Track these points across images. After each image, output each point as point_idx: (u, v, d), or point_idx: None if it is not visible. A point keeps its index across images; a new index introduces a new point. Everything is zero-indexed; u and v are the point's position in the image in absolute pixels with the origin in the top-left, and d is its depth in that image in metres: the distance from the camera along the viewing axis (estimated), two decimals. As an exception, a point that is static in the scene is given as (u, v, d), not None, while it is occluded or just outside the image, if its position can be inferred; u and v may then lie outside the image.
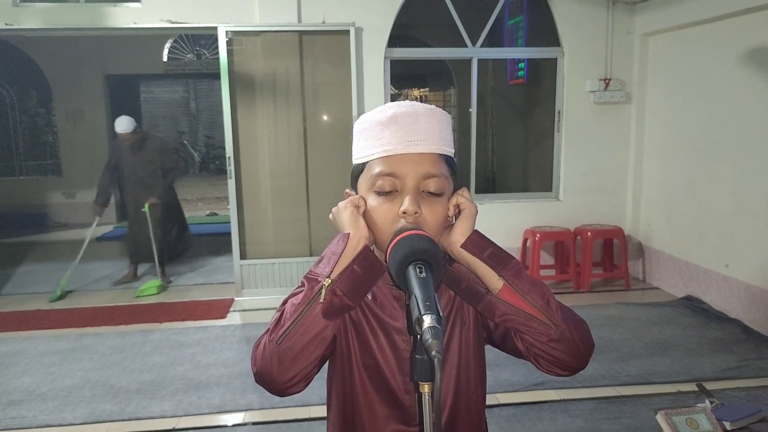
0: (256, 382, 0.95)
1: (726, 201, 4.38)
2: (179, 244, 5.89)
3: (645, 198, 5.42)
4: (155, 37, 8.88)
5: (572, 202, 5.45)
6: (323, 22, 4.91)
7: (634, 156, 5.43)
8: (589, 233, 5.13)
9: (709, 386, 3.19)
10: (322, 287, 0.90)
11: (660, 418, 2.40)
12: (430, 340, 0.73)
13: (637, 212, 5.49)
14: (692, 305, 4.58)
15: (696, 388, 3.15)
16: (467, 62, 5.41)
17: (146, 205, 5.30)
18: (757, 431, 2.48)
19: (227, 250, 5.57)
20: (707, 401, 2.59)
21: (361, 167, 1.01)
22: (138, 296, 5.20)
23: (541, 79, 6.67)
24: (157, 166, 5.45)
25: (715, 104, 4.47)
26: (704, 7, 4.38)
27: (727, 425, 2.38)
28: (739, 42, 4.16)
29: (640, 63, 5.29)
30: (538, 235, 5.11)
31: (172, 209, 5.83)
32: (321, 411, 3.01)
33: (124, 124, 5.27)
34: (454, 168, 1.02)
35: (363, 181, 1.00)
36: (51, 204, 8.88)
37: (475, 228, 0.98)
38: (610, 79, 5.29)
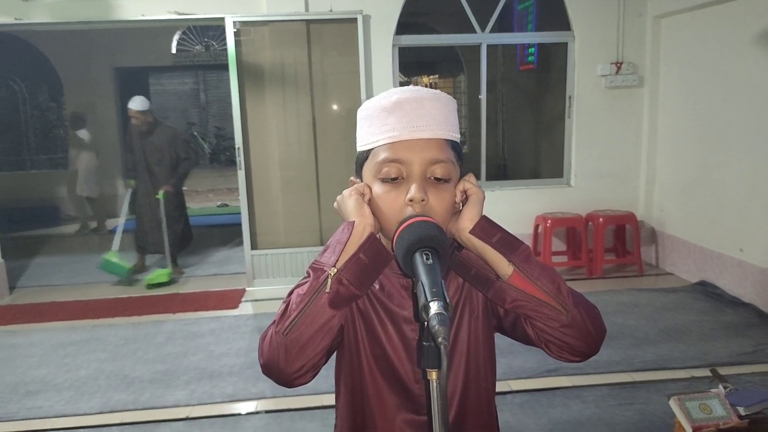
0: (264, 374, 0.95)
1: (740, 185, 4.32)
2: (185, 236, 5.88)
3: (658, 183, 5.36)
4: (163, 29, 8.89)
5: (584, 188, 5.40)
6: (331, 11, 4.88)
7: (647, 141, 5.36)
8: (601, 219, 5.09)
9: (723, 371, 3.14)
10: (328, 276, 0.89)
11: (673, 403, 2.38)
12: (436, 327, 0.72)
13: (650, 197, 5.43)
14: (706, 290, 4.54)
15: (710, 374, 3.12)
16: (476, 48, 5.36)
17: (161, 193, 5.32)
18: (772, 416, 2.45)
19: (238, 240, 5.59)
20: (721, 386, 2.56)
21: (366, 154, 1.00)
22: (148, 284, 5.24)
23: (551, 64, 6.59)
24: (167, 155, 5.44)
25: (729, 87, 4.40)
26: (718, -13, 4.30)
27: (741, 410, 2.35)
28: (753, 23, 4.07)
29: (653, 46, 5.20)
30: (549, 222, 5.07)
31: (181, 201, 5.85)
32: (331, 399, 3.00)
33: (136, 102, 5.35)
34: (460, 153, 1.00)
35: (368, 169, 0.99)
36: (62, 197, 8.96)
37: (484, 213, 0.97)
38: (621, 63, 5.21)
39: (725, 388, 2.53)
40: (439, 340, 0.72)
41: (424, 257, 0.83)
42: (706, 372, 3.18)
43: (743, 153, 4.28)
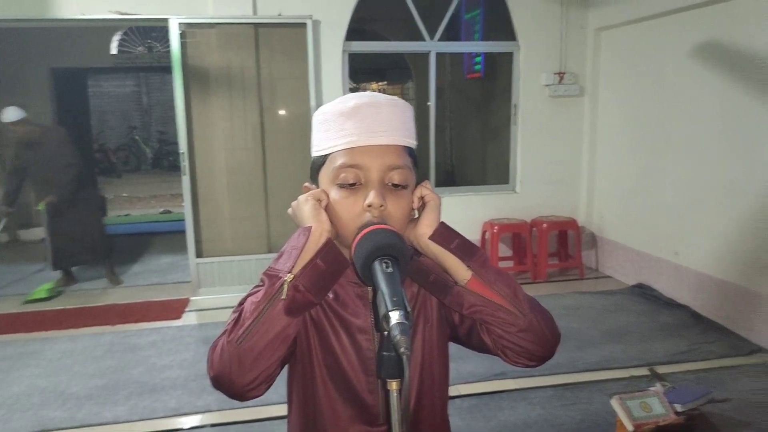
0: (214, 386, 0.91)
1: (676, 191, 4.53)
2: (103, 246, 5.38)
3: (598, 189, 5.56)
4: (103, 29, 8.55)
5: (529, 194, 5.54)
6: (279, 15, 4.83)
7: (588, 149, 5.56)
8: (545, 225, 5.23)
9: (661, 370, 3.30)
10: (283, 283, 0.87)
11: (615, 402, 2.46)
12: (398, 337, 0.71)
13: (591, 203, 5.62)
14: (644, 293, 4.73)
15: (648, 373, 3.25)
16: (425, 56, 5.42)
17: (41, 204, 4.91)
18: (706, 412, 2.57)
19: (182, 248, 5.43)
20: (659, 385, 2.67)
21: (322, 160, 0.98)
22: (26, 302, 4.86)
23: (497, 73, 6.75)
24: (60, 162, 4.92)
25: (665, 97, 4.61)
26: (655, 2, 4.50)
27: (678, 407, 2.46)
28: (689, 36, 4.29)
29: (594, 57, 5.41)
30: (496, 228, 5.17)
31: (95, 208, 5.36)
32: (281, 410, 2.94)
33: (7, 113, 4.85)
34: (416, 160, 1.00)
35: (324, 174, 0.97)
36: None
37: (441, 219, 0.97)
38: (564, 73, 5.39)
39: (663, 386, 2.64)
40: (402, 350, 0.71)
41: (384, 265, 0.82)
42: (645, 371, 3.32)
43: (678, 160, 4.49)
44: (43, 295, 4.97)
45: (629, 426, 2.34)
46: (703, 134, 4.23)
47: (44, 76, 8.39)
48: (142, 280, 5.58)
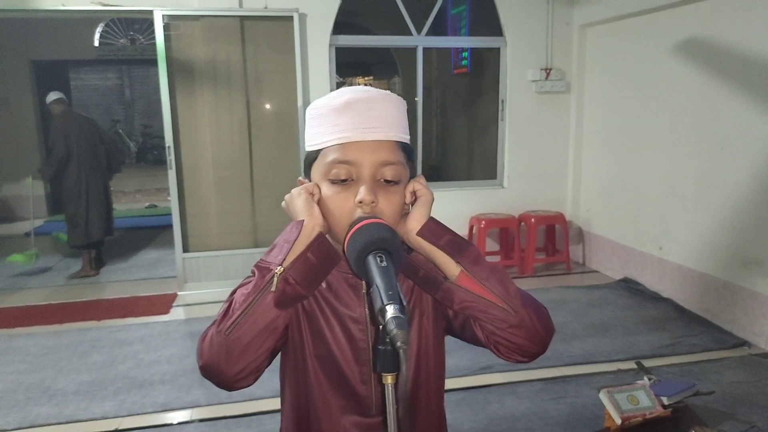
0: (203, 375, 0.91)
1: (659, 186, 4.59)
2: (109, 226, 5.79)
3: (584, 184, 5.61)
4: (85, 20, 8.43)
5: (516, 189, 5.57)
6: (266, 8, 4.79)
7: (574, 144, 5.60)
8: (532, 219, 5.26)
9: (646, 363, 3.34)
10: (274, 275, 0.87)
11: (603, 395, 2.49)
12: (394, 331, 0.71)
13: (577, 198, 5.67)
14: (629, 287, 4.79)
15: (635, 366, 3.29)
16: (412, 51, 5.42)
17: (29, 179, 5.53)
18: (691, 405, 2.62)
19: (168, 243, 5.39)
20: (646, 378, 2.70)
21: (315, 154, 0.98)
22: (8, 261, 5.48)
23: (484, 69, 6.76)
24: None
25: (649, 94, 4.66)
26: (639, -1, 4.54)
27: (665, 400, 2.49)
28: (672, 34, 4.34)
29: (579, 54, 5.44)
30: (483, 223, 5.20)
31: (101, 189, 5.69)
32: (271, 404, 2.96)
33: (50, 95, 5.48)
34: (411, 155, 1.00)
35: (317, 169, 0.97)
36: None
37: (431, 215, 0.97)
38: (550, 69, 5.41)
39: (650, 379, 2.68)
40: (398, 344, 0.71)
41: (378, 259, 0.82)
42: (631, 365, 3.36)
43: (660, 155, 4.55)
44: (20, 259, 5.42)
45: (617, 419, 2.37)
46: (683, 130, 4.29)
47: (25, 69, 8.26)
48: (129, 275, 5.53)
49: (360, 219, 0.89)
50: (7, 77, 8.17)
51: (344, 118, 0.93)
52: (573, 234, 5.63)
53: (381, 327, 0.74)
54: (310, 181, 1.00)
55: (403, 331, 0.71)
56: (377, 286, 0.77)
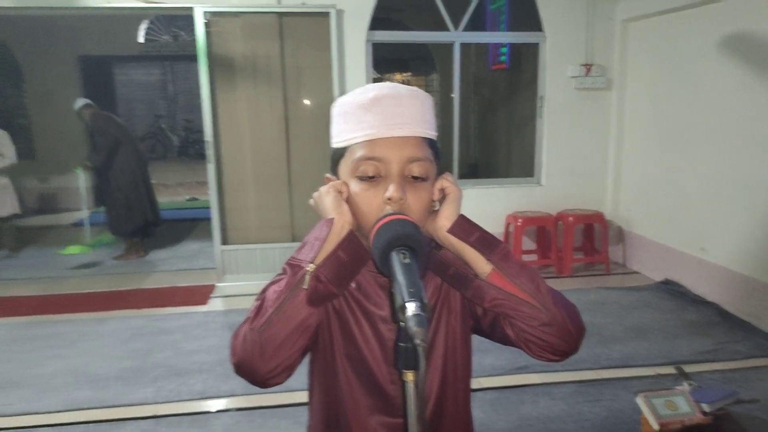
0: (236, 373, 0.92)
1: (702, 186, 4.44)
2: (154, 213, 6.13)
3: (625, 183, 5.47)
4: (130, 17, 8.67)
5: (554, 187, 5.47)
6: (303, 4, 4.82)
7: (615, 141, 5.47)
8: (570, 218, 5.17)
9: (687, 369, 3.24)
10: (305, 273, 0.87)
11: (640, 400, 2.43)
12: (414, 328, 0.71)
13: (617, 197, 5.54)
14: (670, 289, 4.65)
15: (674, 371, 3.21)
16: (449, 46, 5.37)
17: (77, 167, 5.90)
18: (733, 413, 2.53)
19: (208, 235, 5.51)
20: (685, 383, 2.63)
21: (342, 151, 0.98)
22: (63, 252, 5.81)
23: (523, 64, 6.66)
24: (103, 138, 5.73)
25: (693, 90, 4.51)
26: (685, -8, 4.40)
27: (705, 407, 2.42)
28: (718, 28, 4.18)
29: (621, 49, 5.30)
30: (520, 221, 5.13)
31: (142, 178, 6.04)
32: (305, 396, 2.99)
33: (78, 101, 5.80)
34: (438, 151, 0.99)
35: (344, 166, 0.97)
36: (24, 188, 8.66)
37: (461, 212, 0.96)
38: (591, 65, 5.29)
39: (690, 385, 2.60)
40: (417, 341, 0.70)
41: (402, 256, 0.81)
42: (670, 369, 3.27)
43: (706, 155, 4.40)
44: (76, 250, 5.71)
45: (654, 424, 2.31)
46: (728, 128, 4.13)
47: (72, 64, 8.54)
48: (170, 266, 5.67)
49: (385, 215, 0.88)
50: (55, 72, 8.47)
51: (371, 115, 0.93)
52: (613, 234, 5.51)
53: (402, 324, 0.74)
54: (336, 177, 1.00)
55: (423, 329, 0.71)
56: (399, 283, 0.77)
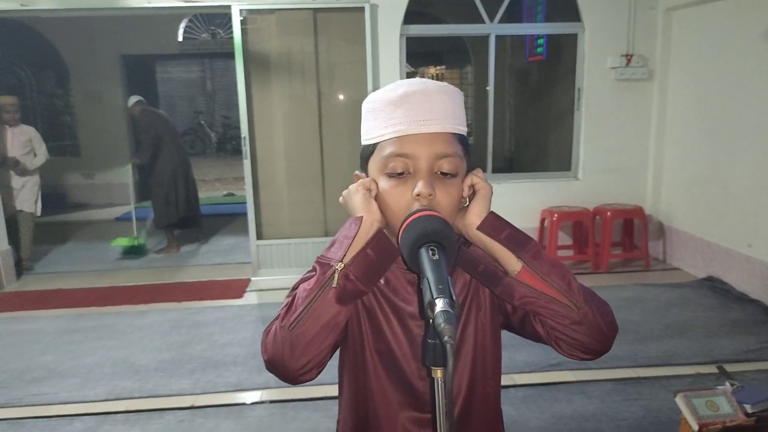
0: (268, 369, 0.94)
1: (749, 181, 4.27)
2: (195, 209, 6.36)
3: (666, 177, 5.32)
4: (170, 16, 8.85)
5: (592, 181, 5.36)
6: (338, -1, 4.84)
7: (656, 134, 5.31)
8: (608, 213, 5.05)
9: (729, 368, 3.14)
10: (334, 271, 0.88)
11: (679, 400, 2.36)
12: (442, 325, 0.71)
13: (658, 192, 5.38)
14: (713, 286, 4.51)
15: (716, 370, 3.11)
16: (484, 39, 5.31)
17: (127, 164, 6.07)
18: (778, 414, 2.44)
19: (244, 230, 5.60)
20: (727, 383, 2.54)
21: (372, 148, 0.98)
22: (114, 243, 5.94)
23: (561, 56, 6.52)
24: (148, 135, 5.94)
25: (739, 83, 4.34)
26: (731, -21, 4.23)
27: (748, 408, 2.33)
28: (765, 18, 4.01)
29: (663, 39, 5.14)
30: (556, 216, 5.04)
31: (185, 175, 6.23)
32: (336, 390, 3.02)
33: (130, 99, 6.06)
34: (468, 147, 0.98)
35: (374, 163, 0.97)
36: (69, 185, 8.99)
37: (491, 209, 0.95)
38: (632, 56, 5.15)
39: (732, 385, 2.51)
40: (445, 338, 0.70)
41: (430, 252, 0.81)
42: (711, 368, 3.18)
43: (752, 148, 4.23)
44: (125, 243, 5.89)
45: (694, 425, 2.25)
46: (783, 119, 3.96)
47: (115, 63, 8.79)
48: (207, 260, 5.80)
49: (414, 211, 0.88)
50: (99, 71, 8.73)
51: (400, 111, 0.93)
52: (653, 229, 5.36)
53: (430, 321, 0.73)
54: (366, 175, 1.00)
55: (451, 326, 0.70)
56: (428, 280, 0.77)
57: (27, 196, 5.47)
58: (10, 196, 5.37)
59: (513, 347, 3.39)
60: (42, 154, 5.51)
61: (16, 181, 5.40)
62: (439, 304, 0.72)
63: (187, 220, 6.17)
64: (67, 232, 7.13)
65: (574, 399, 3.00)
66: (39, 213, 5.64)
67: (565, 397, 3.02)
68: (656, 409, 2.87)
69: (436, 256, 0.80)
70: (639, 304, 4.27)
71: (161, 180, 5.89)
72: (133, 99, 6.01)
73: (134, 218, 6.08)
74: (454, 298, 0.74)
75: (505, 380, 3.15)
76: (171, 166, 5.91)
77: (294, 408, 3.00)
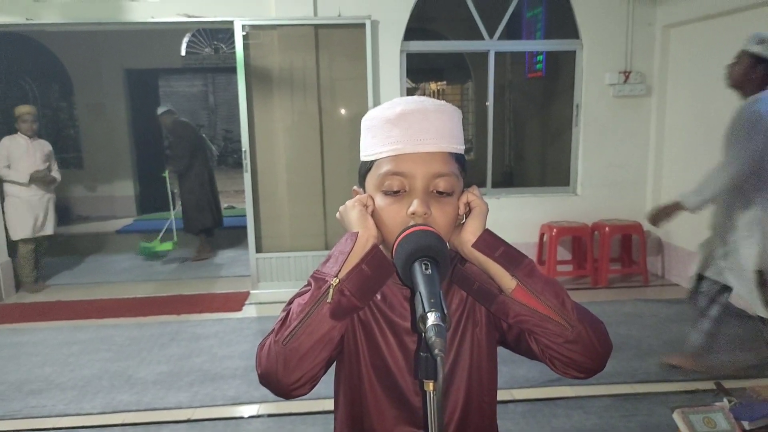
0: (261, 383, 0.94)
1: (748, 196, 4.28)
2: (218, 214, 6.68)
3: (664, 193, 5.33)
4: (173, 31, 8.94)
5: (590, 196, 5.38)
6: (339, 15, 4.90)
7: (654, 150, 5.34)
8: (607, 228, 5.07)
9: (727, 385, 3.13)
10: (329, 287, 0.89)
11: (676, 416, 2.35)
12: (433, 338, 0.72)
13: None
14: (712, 302, 4.50)
15: (713, 387, 3.10)
16: (484, 55, 5.36)
17: (165, 173, 6.33)
18: (776, 431, 2.43)
19: (243, 243, 5.62)
20: (725, 400, 2.54)
21: (369, 165, 0.99)
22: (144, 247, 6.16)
23: (559, 72, 6.59)
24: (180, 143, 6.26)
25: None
26: (728, -3, 4.28)
27: (746, 424, 2.32)
28: (764, 33, 4.05)
29: (661, 55, 5.19)
30: (554, 230, 5.06)
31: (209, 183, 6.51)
32: (333, 404, 3.02)
33: (160, 108, 6.37)
34: (464, 165, 1.00)
35: (371, 180, 0.98)
36: (73, 197, 9.02)
37: (487, 227, 0.96)
38: (630, 72, 5.20)
39: (729, 401, 2.51)
40: (436, 351, 0.71)
41: (423, 267, 0.82)
42: (709, 385, 3.16)
43: (751, 164, 4.24)
44: (157, 248, 6.17)
45: (690, 440, 2.25)
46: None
47: (119, 77, 8.87)
48: (207, 273, 5.81)
49: (409, 226, 0.89)
50: (103, 84, 8.81)
51: (397, 130, 0.94)
52: (651, 245, 5.37)
53: (422, 334, 0.75)
54: (364, 191, 1.02)
55: (442, 339, 0.72)
56: (420, 294, 0.78)
57: (51, 215, 5.32)
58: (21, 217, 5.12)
59: (513, 363, 3.39)
60: (56, 170, 5.39)
61: (34, 196, 5.12)
62: (431, 318, 0.74)
63: (212, 227, 6.48)
64: (67, 245, 7.14)
65: (573, 414, 2.99)
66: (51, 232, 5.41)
67: (563, 412, 3.02)
68: (654, 425, 2.87)
69: (429, 271, 0.81)
70: (638, 319, 4.26)
71: (192, 187, 6.13)
72: (162, 109, 6.26)
73: (174, 228, 6.32)
74: (446, 312, 0.75)
75: (504, 395, 3.16)
76: (201, 174, 6.18)
77: (291, 422, 2.99)
